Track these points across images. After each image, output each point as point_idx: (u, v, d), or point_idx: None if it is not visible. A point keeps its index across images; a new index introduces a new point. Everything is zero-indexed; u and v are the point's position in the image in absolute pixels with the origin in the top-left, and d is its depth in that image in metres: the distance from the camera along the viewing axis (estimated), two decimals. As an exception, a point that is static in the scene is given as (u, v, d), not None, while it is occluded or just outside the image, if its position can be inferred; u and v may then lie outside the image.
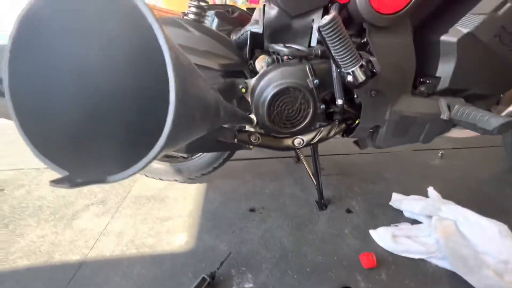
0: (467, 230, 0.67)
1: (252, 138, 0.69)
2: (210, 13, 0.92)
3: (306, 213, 0.91)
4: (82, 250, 0.77)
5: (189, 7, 0.86)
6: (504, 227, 0.64)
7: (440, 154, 1.28)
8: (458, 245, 0.66)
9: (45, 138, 0.26)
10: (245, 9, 0.98)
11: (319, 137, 0.70)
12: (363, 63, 0.54)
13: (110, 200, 1.00)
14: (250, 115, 0.75)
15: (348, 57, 0.52)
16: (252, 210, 0.93)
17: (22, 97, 0.25)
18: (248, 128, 0.76)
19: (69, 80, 0.28)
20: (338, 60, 0.54)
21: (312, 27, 0.70)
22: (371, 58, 0.55)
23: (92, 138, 0.29)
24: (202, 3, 0.87)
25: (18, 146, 1.54)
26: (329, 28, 0.49)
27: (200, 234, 0.82)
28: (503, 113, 0.72)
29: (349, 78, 0.55)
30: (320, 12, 0.67)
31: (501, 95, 0.84)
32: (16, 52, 0.23)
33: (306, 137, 0.71)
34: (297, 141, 0.71)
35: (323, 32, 0.50)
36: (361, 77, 0.54)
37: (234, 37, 0.87)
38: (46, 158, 0.25)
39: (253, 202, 0.97)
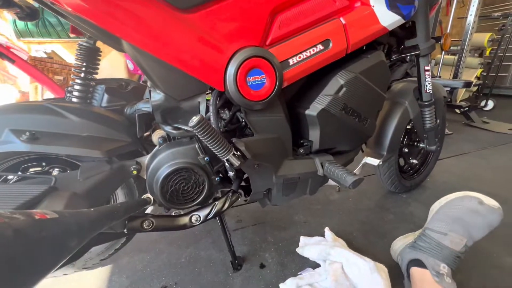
0: (350, 271, 0.79)
1: (145, 224, 0.67)
2: (101, 87, 0.89)
3: (221, 279, 0.90)
4: None
5: (72, 85, 0.83)
6: (372, 264, 0.78)
7: (337, 188, 1.50)
8: (344, 287, 0.76)
9: None
10: (141, 82, 1.00)
11: (215, 211, 0.73)
12: (234, 152, 0.62)
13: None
14: (146, 195, 0.73)
15: (220, 149, 0.59)
16: (163, 289, 0.87)
17: None
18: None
19: None
20: (213, 150, 0.60)
21: (199, 108, 0.76)
22: (241, 148, 0.64)
23: None
24: (88, 79, 0.84)
25: None
26: (198, 128, 0.55)
27: None
28: (357, 168, 0.92)
29: (227, 163, 0.62)
30: (204, 96, 0.75)
31: (361, 147, 1.08)
32: None
33: (202, 213, 0.73)
34: (194, 217, 0.73)
35: (194, 131, 0.56)
36: (236, 162, 0.62)
37: (128, 111, 0.86)
38: None
39: (165, 278, 0.91)
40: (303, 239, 1.05)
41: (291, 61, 0.74)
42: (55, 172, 0.72)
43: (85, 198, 0.55)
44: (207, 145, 0.58)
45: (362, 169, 1.00)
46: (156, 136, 0.82)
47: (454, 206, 0.82)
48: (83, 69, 0.82)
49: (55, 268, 0.34)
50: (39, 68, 1.72)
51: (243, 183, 0.87)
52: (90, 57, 0.83)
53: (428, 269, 0.72)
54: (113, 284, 0.89)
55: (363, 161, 0.93)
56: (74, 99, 0.82)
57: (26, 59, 1.78)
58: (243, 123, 0.78)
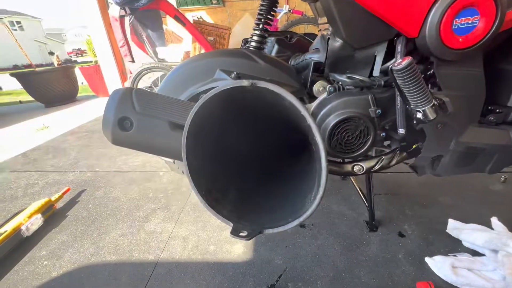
0: (542, 271, 0.64)
1: (313, 163, 0.74)
2: (270, 39, 0.98)
3: (357, 233, 0.93)
4: (155, 251, 0.89)
5: (252, 35, 0.94)
6: None
7: (503, 179, 1.19)
8: (530, 286, 0.63)
9: (208, 193, 0.34)
10: (302, 34, 1.03)
11: (380, 165, 0.72)
12: (435, 103, 0.56)
13: (173, 206, 1.12)
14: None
15: (421, 98, 0.54)
16: (302, 226, 0.98)
17: (194, 159, 0.33)
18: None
19: (233, 148, 0.37)
20: (410, 99, 0.56)
21: (375, 58, 0.72)
22: (444, 99, 0.57)
23: (251, 194, 0.37)
24: (264, 30, 0.94)
25: (90, 150, 1.79)
26: (405, 72, 0.52)
27: (255, 246, 0.89)
28: None
29: (419, 115, 0.57)
30: (385, 44, 0.70)
31: None
32: (192, 129, 0.31)
33: (366, 164, 0.74)
34: (357, 167, 0.74)
35: (397, 75, 0.53)
36: (432, 115, 0.56)
37: (293, 62, 0.93)
38: (213, 210, 0.32)
39: (302, 217, 1.02)
40: (453, 222, 0.92)
41: (522, -4, 0.57)
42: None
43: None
44: (407, 91, 0.55)
45: None
46: (317, 86, 0.85)
47: None
48: (262, 20, 0.91)
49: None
50: (199, 30, 2.08)
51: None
52: (269, 8, 0.91)
53: None
54: (260, 210, 1.08)
55: None
56: (251, 48, 0.94)
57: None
58: (427, 76, 0.69)
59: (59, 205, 1.16)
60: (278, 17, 2.86)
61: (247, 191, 0.39)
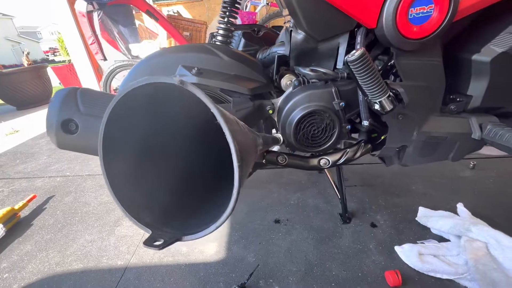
0: (499, 254, 0.66)
1: (280, 159, 0.73)
2: (237, 33, 0.96)
3: (330, 226, 0.93)
4: (125, 256, 0.86)
5: (218, 29, 0.91)
6: (540, 254, 0.62)
7: (471, 165, 1.23)
8: (488, 269, 0.65)
9: (131, 199, 0.31)
10: (271, 27, 1.01)
11: (345, 158, 0.72)
12: (391, 94, 0.55)
13: (146, 208, 1.08)
14: (276, 134, 0.79)
15: (376, 89, 0.54)
16: (277, 221, 0.97)
17: (115, 161, 0.30)
18: (275, 147, 0.80)
19: (151, 150, 0.34)
20: (366, 91, 0.56)
21: (338, 50, 0.72)
22: (400, 90, 0.56)
23: (169, 200, 0.35)
24: (230, 23, 0.91)
25: (62, 153, 1.71)
26: (358, 63, 0.51)
27: (228, 244, 0.88)
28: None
29: (376, 106, 0.57)
30: (346, 36, 0.69)
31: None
32: (110, 125, 0.29)
33: (332, 158, 0.73)
34: (323, 161, 0.74)
35: (351, 66, 0.53)
36: (388, 106, 0.56)
37: (260, 56, 0.91)
38: (133, 218, 0.30)
39: (278, 213, 1.01)
40: (423, 210, 0.94)
41: (474, -15, 0.57)
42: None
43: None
44: (362, 82, 0.54)
45: None
46: (285, 81, 0.84)
47: None
48: (227, 13, 0.88)
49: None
50: (173, 25, 2.01)
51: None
52: (233, 1, 0.88)
53: None
54: (236, 207, 1.06)
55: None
56: (218, 43, 0.91)
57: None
58: (388, 67, 0.69)
59: (24, 213, 1.11)
60: (257, 10, 2.82)
61: (180, 192, 0.37)
